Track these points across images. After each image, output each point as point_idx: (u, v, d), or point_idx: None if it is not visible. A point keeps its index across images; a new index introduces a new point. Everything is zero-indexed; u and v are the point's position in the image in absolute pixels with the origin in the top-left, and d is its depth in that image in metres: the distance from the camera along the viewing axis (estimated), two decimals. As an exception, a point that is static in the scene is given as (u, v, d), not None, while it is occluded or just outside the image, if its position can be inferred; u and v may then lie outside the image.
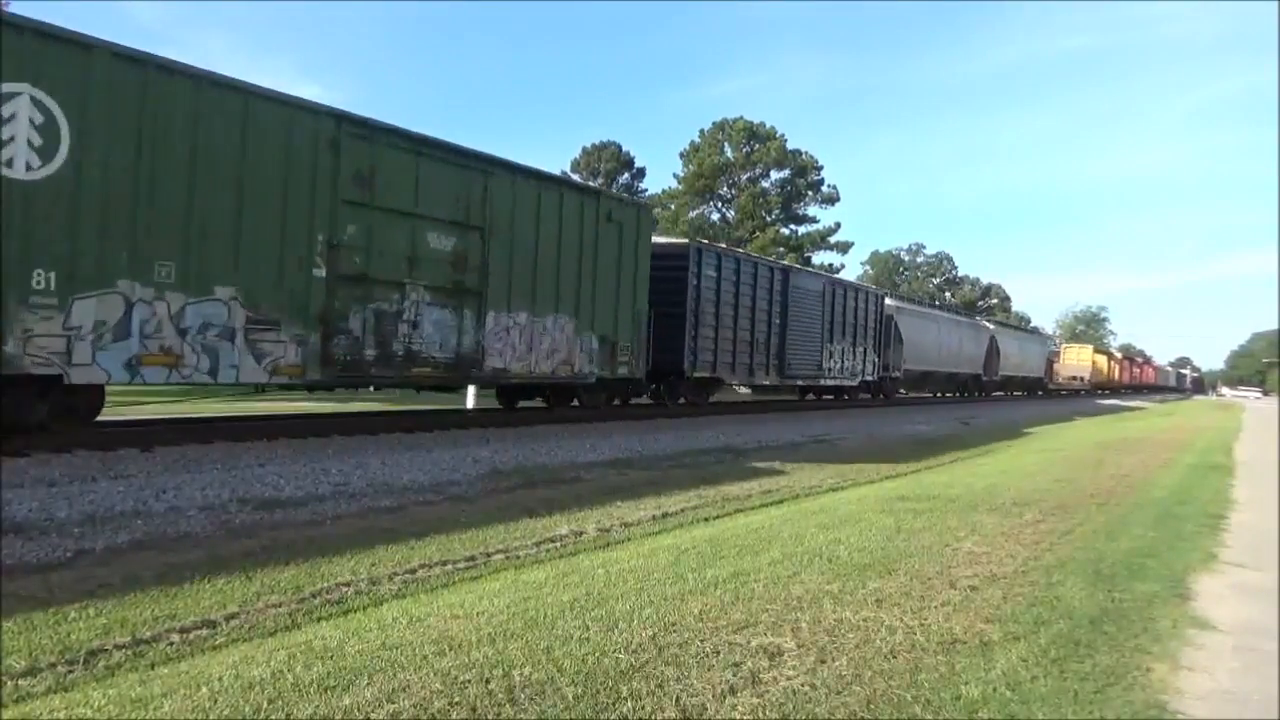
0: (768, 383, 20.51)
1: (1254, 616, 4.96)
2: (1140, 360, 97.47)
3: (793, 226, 51.16)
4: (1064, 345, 73.24)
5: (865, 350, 25.18)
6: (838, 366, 23.38)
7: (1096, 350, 71.69)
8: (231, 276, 9.06)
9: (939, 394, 37.54)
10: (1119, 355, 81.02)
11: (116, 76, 8.02)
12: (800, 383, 22.74)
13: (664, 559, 5.68)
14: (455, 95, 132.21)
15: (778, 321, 19.96)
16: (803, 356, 21.34)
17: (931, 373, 32.88)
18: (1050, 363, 56.10)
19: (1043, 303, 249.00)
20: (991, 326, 41.54)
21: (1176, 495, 9.97)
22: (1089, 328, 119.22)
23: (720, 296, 17.60)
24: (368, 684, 3.33)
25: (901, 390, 34.18)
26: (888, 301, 28.56)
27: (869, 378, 25.68)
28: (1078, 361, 65.40)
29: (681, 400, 18.33)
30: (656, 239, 16.86)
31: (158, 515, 6.52)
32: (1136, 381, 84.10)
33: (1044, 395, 52.58)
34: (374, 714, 3.07)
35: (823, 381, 23.05)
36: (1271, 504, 9.60)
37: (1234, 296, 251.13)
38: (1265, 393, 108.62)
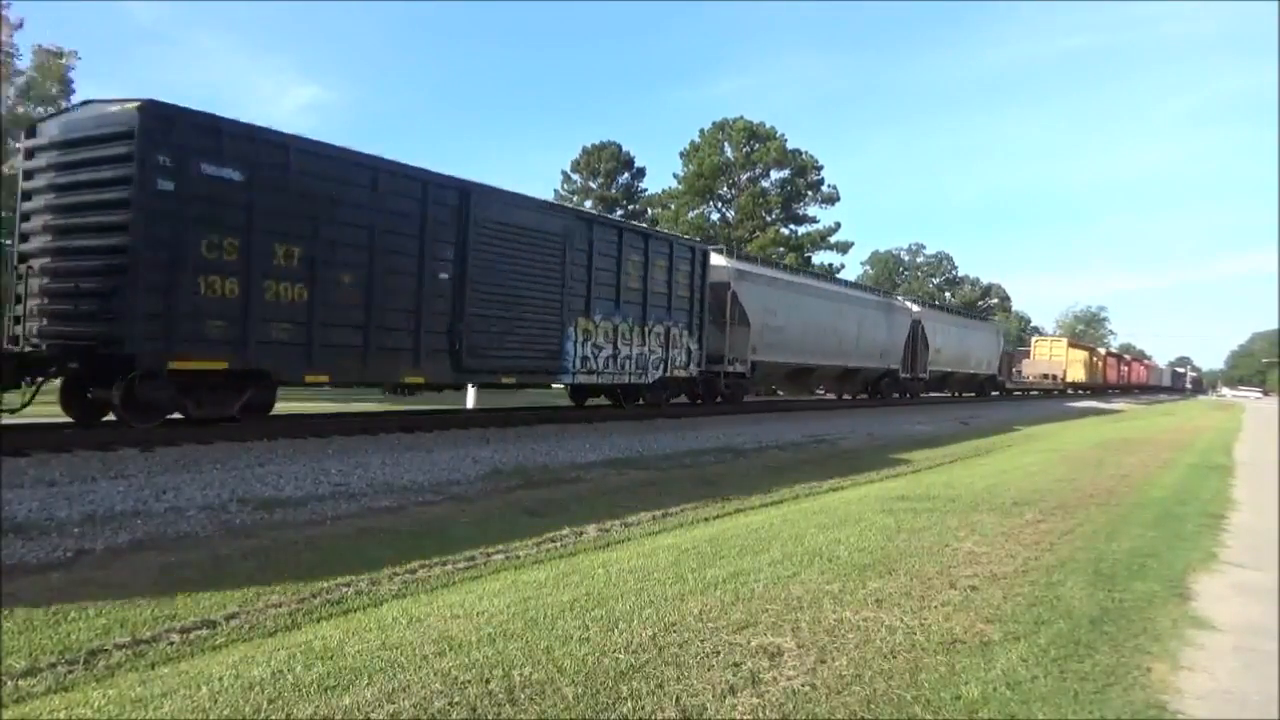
0: (423, 380, 11.84)
1: (1254, 616, 4.96)
2: (1129, 357, 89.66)
3: (793, 226, 51.22)
4: (1034, 339, 64.19)
5: (673, 333, 16.55)
6: (605, 356, 14.74)
7: (1073, 345, 62.44)
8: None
9: (847, 396, 29.35)
10: (1102, 351, 71.28)
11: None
12: (508, 379, 13.43)
13: (664, 559, 5.68)
14: (455, 96, 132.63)
15: (445, 276, 11.75)
16: (512, 338, 12.81)
17: (811, 367, 23.76)
18: (1008, 357, 47.74)
19: (1043, 303, 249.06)
20: (915, 309, 31.76)
21: (1177, 495, 9.97)
22: (1089, 327, 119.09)
23: (254, 218, 9.49)
24: (368, 684, 3.33)
25: (775, 391, 27.16)
26: (719, 262, 19.21)
27: (683, 372, 17.11)
28: (1050, 357, 57.25)
29: (158, 418, 9.55)
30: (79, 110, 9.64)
31: (158, 515, 6.52)
32: (1124, 381, 75.88)
33: (1002, 396, 44.22)
34: (374, 714, 3.07)
35: (568, 378, 14.17)
36: (1271, 504, 9.60)
37: (1234, 296, 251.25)
38: (1265, 393, 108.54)
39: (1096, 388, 61.75)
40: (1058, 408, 37.08)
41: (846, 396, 29.31)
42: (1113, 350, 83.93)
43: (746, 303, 19.66)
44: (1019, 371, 53.78)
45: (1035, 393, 52.64)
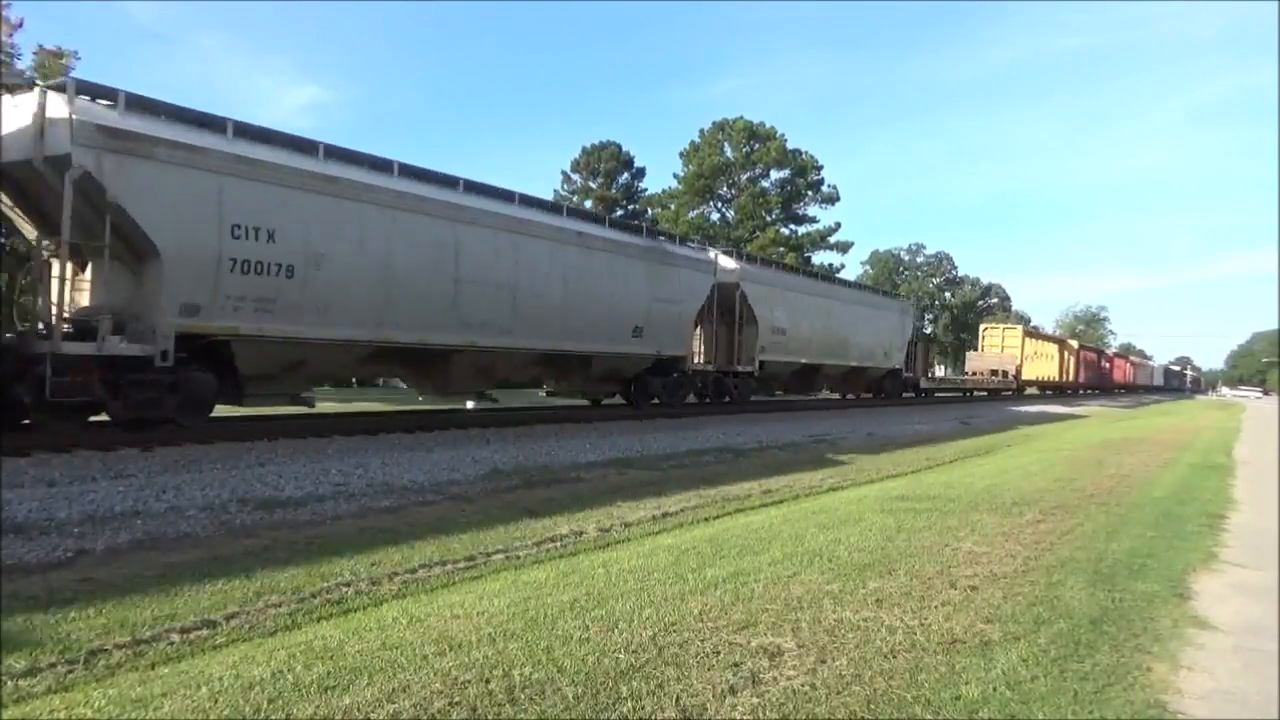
0: None
1: (1254, 616, 4.96)
2: (1112, 352, 78.65)
3: (793, 226, 51.28)
4: (984, 327, 52.21)
5: None
6: None
7: (1031, 335, 51.77)
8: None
9: (601, 402, 18.74)
10: (1074, 344, 59.17)
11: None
12: None
13: (664, 559, 5.68)
14: (455, 96, 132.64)
15: None
16: None
17: (436, 351, 12.82)
18: (924, 347, 36.83)
19: (1043, 303, 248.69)
20: (730, 265, 20.11)
21: (1177, 495, 9.96)
22: (1089, 327, 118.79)
23: None
24: (368, 684, 3.33)
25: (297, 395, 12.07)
26: (60, 112, 8.63)
27: None
28: (1002, 349, 46.26)
29: None
30: None
31: (158, 515, 6.52)
32: (1106, 380, 66.08)
33: (919, 399, 33.07)
34: (374, 714, 3.07)
35: None
36: (1271, 504, 9.60)
37: (1234, 296, 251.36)
38: (1265, 392, 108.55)
39: (1067, 387, 53.02)
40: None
41: (605, 402, 18.73)
42: (1090, 344, 73.48)
43: (141, 209, 9.20)
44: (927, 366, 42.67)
45: (982, 393, 42.70)
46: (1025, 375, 46.71)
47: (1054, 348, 52.50)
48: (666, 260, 17.58)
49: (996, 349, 46.59)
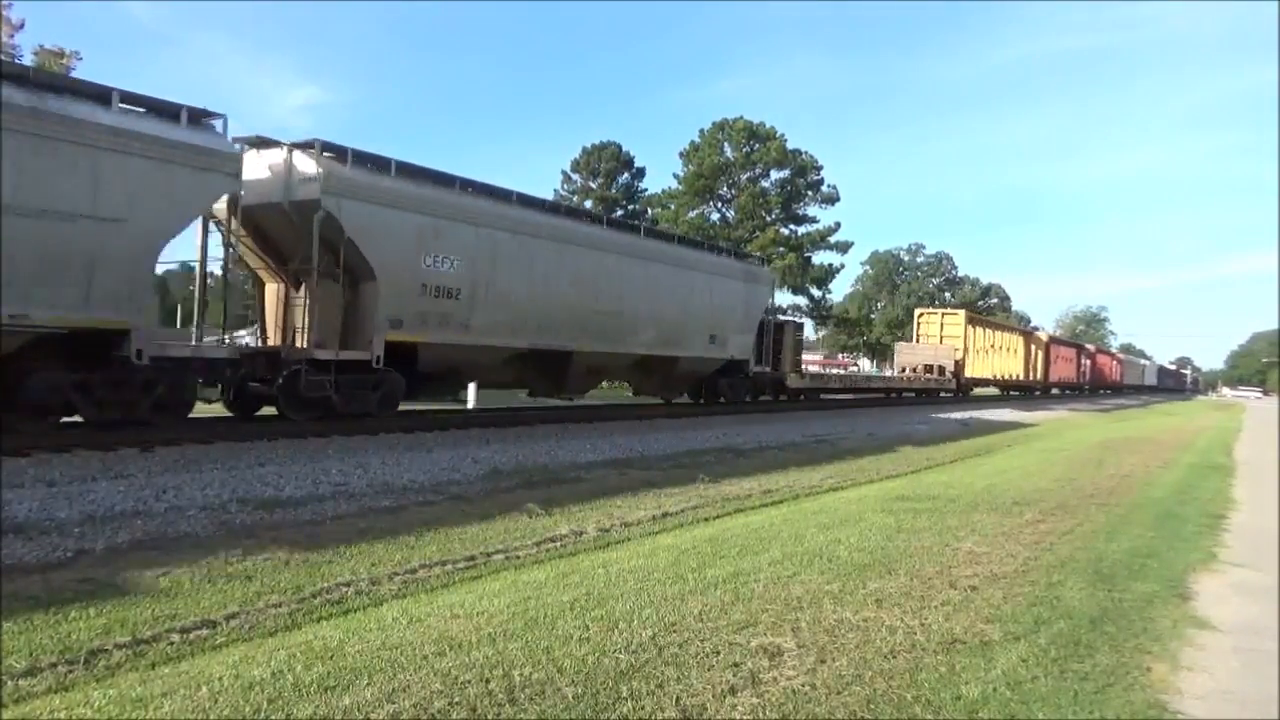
0: None
1: (1254, 616, 4.96)
2: (1094, 348, 68.58)
3: (793, 226, 51.21)
4: (919, 313, 41.14)
5: None
6: None
7: (978, 323, 41.12)
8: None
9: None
10: (1044, 337, 50.63)
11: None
12: None
13: (664, 559, 5.68)
14: (455, 96, 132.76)
15: None
16: None
17: None
18: (794, 332, 24.20)
19: (1043, 303, 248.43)
20: (312, 168, 10.50)
21: (1177, 495, 9.97)
22: (1089, 327, 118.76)
23: None
24: (368, 684, 3.33)
25: None
26: None
27: None
28: (941, 339, 36.75)
29: None
30: None
31: (158, 515, 6.51)
32: (1087, 380, 58.45)
33: (780, 403, 23.33)
34: (374, 714, 3.07)
35: None
36: (1271, 504, 9.60)
37: (1234, 296, 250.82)
38: (1266, 392, 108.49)
39: (1035, 387, 45.81)
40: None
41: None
42: (1063, 339, 65.20)
43: None
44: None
45: (910, 394, 32.98)
46: (971, 372, 36.97)
47: (1018, 340, 44.17)
48: (46, 129, 8.08)
49: (934, 339, 36.74)
